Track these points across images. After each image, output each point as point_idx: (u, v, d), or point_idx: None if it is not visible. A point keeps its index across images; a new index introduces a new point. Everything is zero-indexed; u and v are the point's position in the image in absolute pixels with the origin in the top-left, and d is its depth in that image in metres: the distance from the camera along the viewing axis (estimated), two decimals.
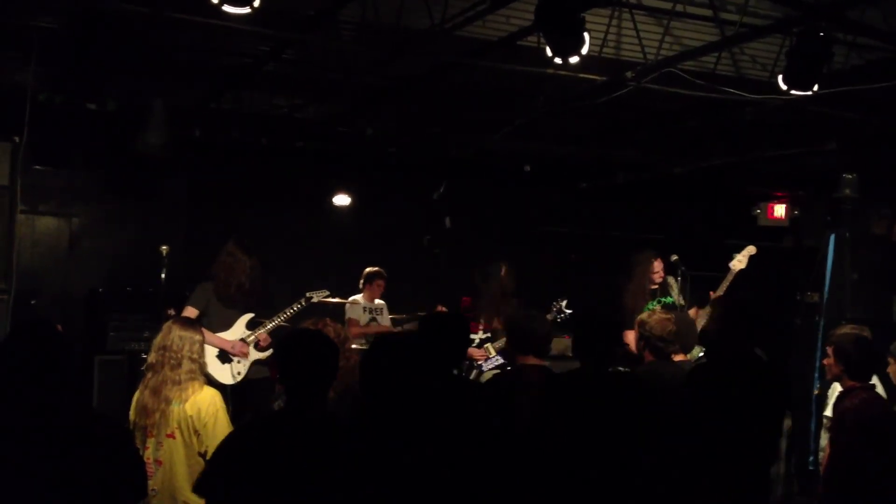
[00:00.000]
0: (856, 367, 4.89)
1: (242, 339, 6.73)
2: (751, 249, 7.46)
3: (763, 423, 4.26)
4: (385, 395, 3.27)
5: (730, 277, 7.42)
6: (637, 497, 3.93)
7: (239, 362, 6.70)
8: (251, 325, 6.80)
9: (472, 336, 7.64)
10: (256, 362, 6.77)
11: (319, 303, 7.29)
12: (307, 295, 7.10)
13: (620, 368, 7.48)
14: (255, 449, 3.26)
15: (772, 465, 4.54)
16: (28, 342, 3.19)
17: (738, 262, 7.47)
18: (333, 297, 7.61)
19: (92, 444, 3.12)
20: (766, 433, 4.33)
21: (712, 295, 7.58)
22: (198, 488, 3.41)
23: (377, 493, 3.04)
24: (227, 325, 6.73)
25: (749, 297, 5.99)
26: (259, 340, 6.76)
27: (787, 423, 5.44)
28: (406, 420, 3.17)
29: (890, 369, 5.70)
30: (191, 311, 6.54)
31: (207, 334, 6.44)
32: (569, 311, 7.50)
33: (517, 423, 4.08)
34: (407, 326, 8.53)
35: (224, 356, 6.66)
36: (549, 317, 7.68)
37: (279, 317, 6.82)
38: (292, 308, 6.89)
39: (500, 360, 7.36)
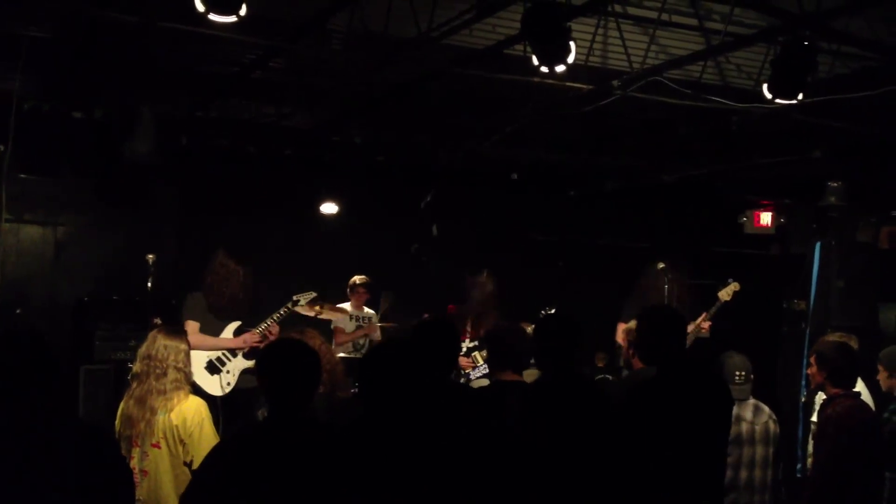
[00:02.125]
0: (838, 375, 4.90)
1: (249, 331, 6.78)
2: (736, 286, 7.70)
3: (713, 435, 4.25)
4: (383, 401, 3.24)
5: (717, 305, 7.65)
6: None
7: (228, 372, 6.69)
8: (238, 333, 6.79)
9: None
10: (246, 371, 6.76)
11: (307, 304, 7.29)
12: (294, 298, 7.11)
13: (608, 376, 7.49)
14: (241, 460, 3.26)
15: (723, 475, 4.54)
16: (10, 352, 3.17)
17: (725, 293, 7.69)
18: (319, 302, 7.61)
19: (78, 454, 3.11)
20: (718, 443, 4.31)
21: (704, 316, 7.68)
22: (184, 501, 3.39)
23: (365, 501, 3.03)
24: (215, 334, 6.73)
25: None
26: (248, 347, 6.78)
27: (776, 430, 5.45)
28: (401, 428, 3.15)
29: (879, 377, 5.72)
30: (192, 326, 6.53)
31: (213, 340, 6.48)
32: None
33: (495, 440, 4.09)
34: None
35: (213, 367, 6.64)
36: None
37: (266, 322, 6.82)
38: (279, 312, 6.90)
39: (488, 370, 7.36)
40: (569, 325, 4.34)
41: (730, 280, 7.73)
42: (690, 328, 7.49)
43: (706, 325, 7.68)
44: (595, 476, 3.99)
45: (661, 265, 7.78)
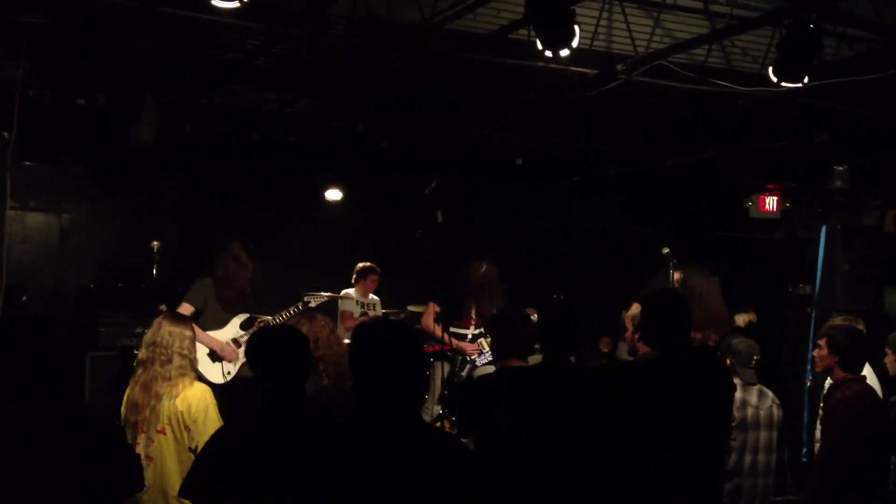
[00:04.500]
0: (849, 359, 4.89)
1: (235, 339, 6.73)
2: (753, 317, 7.69)
3: (715, 418, 4.24)
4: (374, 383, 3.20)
5: (732, 326, 7.72)
6: (597, 492, 3.93)
7: (230, 361, 6.69)
8: (245, 325, 6.79)
9: (465, 331, 7.67)
10: None
11: (317, 304, 7.30)
12: (305, 298, 7.12)
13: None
14: (243, 446, 3.26)
15: (724, 461, 4.54)
16: (18, 341, 3.19)
17: (741, 320, 7.70)
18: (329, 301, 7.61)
19: (86, 440, 3.12)
20: (718, 429, 4.30)
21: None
22: (184, 491, 3.40)
23: (364, 485, 3.03)
24: (221, 324, 6.73)
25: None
26: None
27: (779, 414, 5.44)
28: (402, 416, 3.13)
29: (887, 360, 5.71)
30: (185, 308, 6.52)
31: (199, 332, 6.44)
32: None
33: (496, 426, 4.09)
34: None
35: (215, 355, 6.65)
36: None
37: (276, 319, 6.81)
38: (289, 311, 6.90)
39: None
40: (570, 310, 4.32)
41: (749, 308, 7.73)
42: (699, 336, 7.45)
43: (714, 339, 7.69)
44: (592, 464, 3.98)
45: (666, 250, 7.75)
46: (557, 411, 4.02)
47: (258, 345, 3.54)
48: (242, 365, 6.73)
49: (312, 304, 7.18)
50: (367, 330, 3.14)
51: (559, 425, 3.99)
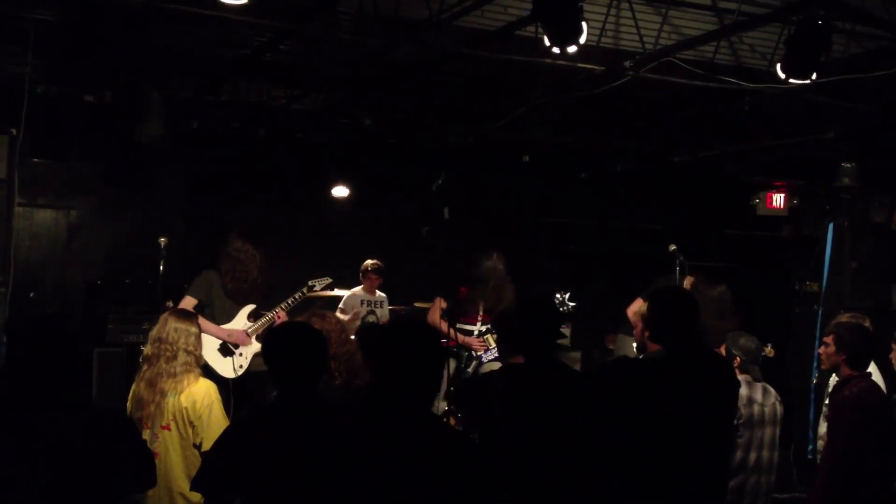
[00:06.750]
0: (856, 356, 4.88)
1: (245, 331, 6.73)
2: (771, 352, 7.59)
3: (720, 417, 4.23)
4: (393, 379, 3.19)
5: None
6: (590, 493, 3.93)
7: (241, 355, 6.69)
8: (253, 316, 6.80)
9: (472, 327, 7.66)
10: (259, 355, 6.76)
11: (321, 291, 7.31)
12: (309, 283, 7.13)
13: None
14: (250, 443, 3.27)
15: (729, 459, 4.52)
16: (32, 336, 3.21)
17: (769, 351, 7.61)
18: (334, 287, 7.60)
19: (100, 435, 3.14)
20: (723, 428, 4.29)
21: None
22: (196, 485, 3.41)
23: (373, 481, 3.03)
24: (230, 317, 6.73)
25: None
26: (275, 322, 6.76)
27: (781, 410, 5.44)
28: (413, 413, 3.11)
29: (892, 356, 5.70)
30: (188, 301, 6.52)
31: (207, 324, 6.45)
32: (572, 304, 7.49)
33: (491, 421, 4.09)
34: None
35: (226, 349, 6.65)
36: None
37: (281, 306, 6.82)
38: (294, 297, 6.90)
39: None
40: (549, 310, 4.33)
41: (769, 344, 7.65)
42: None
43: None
44: (580, 463, 3.98)
45: (673, 247, 7.74)
46: (541, 409, 4.03)
47: (275, 342, 3.52)
48: (253, 360, 6.74)
49: (317, 288, 7.19)
50: (393, 328, 3.15)
51: (543, 423, 3.99)
